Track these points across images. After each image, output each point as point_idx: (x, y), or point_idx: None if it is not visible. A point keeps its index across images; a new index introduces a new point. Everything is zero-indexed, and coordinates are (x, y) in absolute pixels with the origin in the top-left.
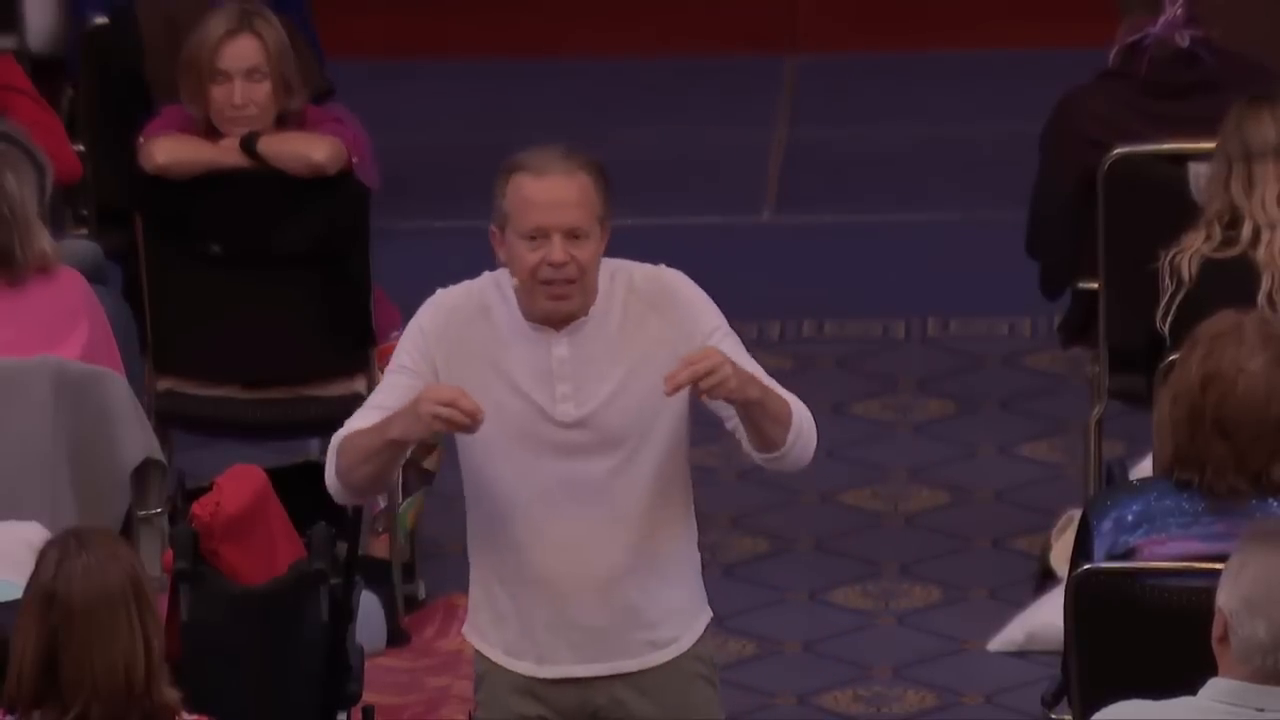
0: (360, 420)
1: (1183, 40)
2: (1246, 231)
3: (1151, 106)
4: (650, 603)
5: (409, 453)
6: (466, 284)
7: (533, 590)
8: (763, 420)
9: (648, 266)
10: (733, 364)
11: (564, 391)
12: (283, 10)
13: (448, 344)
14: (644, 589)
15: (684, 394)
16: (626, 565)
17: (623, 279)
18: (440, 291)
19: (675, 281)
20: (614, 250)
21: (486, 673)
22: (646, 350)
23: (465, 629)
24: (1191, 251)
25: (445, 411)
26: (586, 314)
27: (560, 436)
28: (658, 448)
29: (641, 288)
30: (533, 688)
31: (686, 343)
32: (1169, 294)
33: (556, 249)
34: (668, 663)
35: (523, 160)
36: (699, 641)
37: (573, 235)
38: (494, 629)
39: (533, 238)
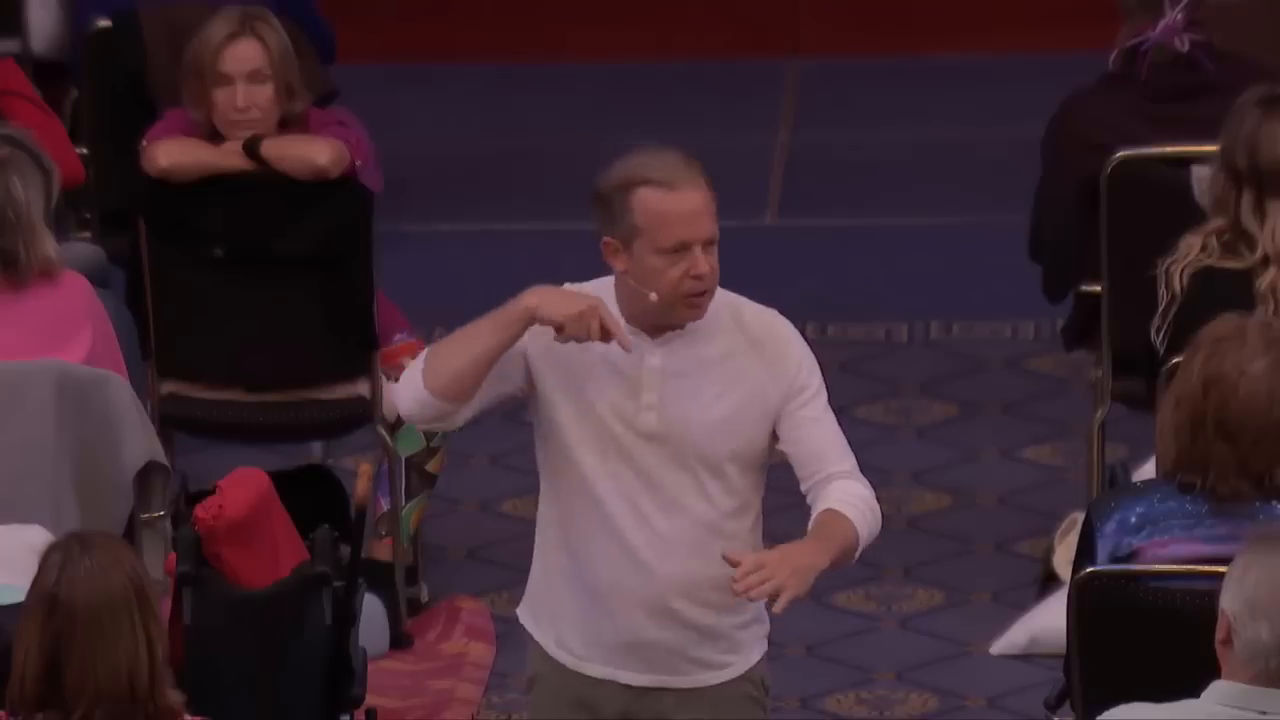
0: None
1: (1182, 45)
2: (1256, 256)
3: (1153, 110)
4: (711, 624)
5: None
6: (580, 287)
7: (594, 597)
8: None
9: (760, 306)
10: (794, 561)
11: (649, 401)
12: (285, 13)
13: (549, 359)
14: (706, 609)
15: (766, 426)
16: (689, 584)
17: (730, 308)
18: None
19: (785, 329)
20: None
21: (540, 675)
22: (738, 382)
23: (520, 609)
24: (1186, 263)
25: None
26: (684, 327)
27: (638, 446)
28: (731, 473)
29: (751, 324)
30: (581, 693)
31: (774, 387)
32: (1163, 306)
33: (701, 261)
34: (721, 684)
35: (644, 172)
36: (755, 665)
37: (710, 244)
38: (549, 621)
39: (675, 251)
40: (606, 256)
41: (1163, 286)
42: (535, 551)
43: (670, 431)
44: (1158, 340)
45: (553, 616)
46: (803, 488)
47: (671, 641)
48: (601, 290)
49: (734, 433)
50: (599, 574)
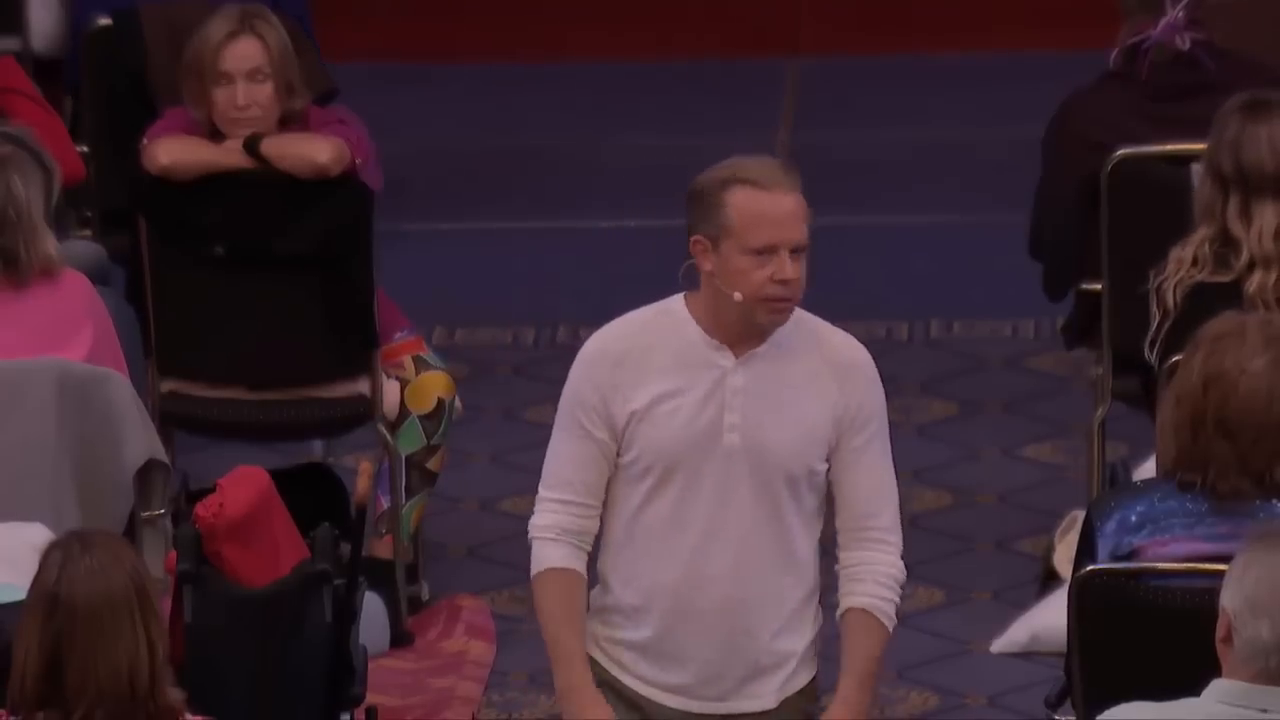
0: (550, 512)
1: (1183, 43)
2: (1242, 261)
3: (1153, 109)
4: (782, 643)
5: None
6: (630, 318)
7: (670, 620)
8: None
9: (842, 332)
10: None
11: (732, 421)
12: (283, 11)
13: (626, 381)
14: (780, 629)
15: (825, 446)
16: (764, 603)
17: (809, 328)
18: (603, 334)
19: (865, 360)
20: (614, 252)
21: (602, 683)
22: (817, 404)
23: (589, 644)
24: (1178, 279)
25: None
26: (765, 341)
27: (720, 465)
28: (804, 491)
29: (832, 349)
30: (643, 705)
31: (842, 414)
32: (1156, 322)
33: (787, 266)
34: (781, 704)
35: (742, 172)
36: (813, 679)
37: (797, 251)
38: (619, 649)
39: (760, 253)
40: (695, 256)
41: (1154, 303)
42: (602, 584)
43: (753, 450)
44: (1151, 355)
45: (626, 646)
46: (838, 524)
47: (748, 660)
48: (663, 313)
49: (811, 453)
50: (678, 598)
